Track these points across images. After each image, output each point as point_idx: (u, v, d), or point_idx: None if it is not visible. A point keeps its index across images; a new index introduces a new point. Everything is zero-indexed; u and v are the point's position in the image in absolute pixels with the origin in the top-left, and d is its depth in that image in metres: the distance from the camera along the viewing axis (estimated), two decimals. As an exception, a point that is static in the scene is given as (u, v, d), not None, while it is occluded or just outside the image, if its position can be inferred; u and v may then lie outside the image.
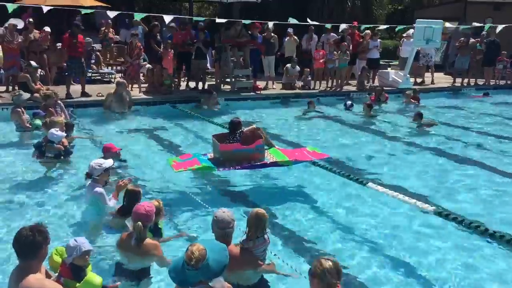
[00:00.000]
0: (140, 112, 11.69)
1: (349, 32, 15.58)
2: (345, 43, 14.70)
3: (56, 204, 6.07)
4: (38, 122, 8.79)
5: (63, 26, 14.36)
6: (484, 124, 11.92)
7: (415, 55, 16.35)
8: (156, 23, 13.71)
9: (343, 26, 14.21)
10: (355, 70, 16.24)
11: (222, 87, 14.41)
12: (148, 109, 11.57)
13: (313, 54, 15.23)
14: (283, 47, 15.82)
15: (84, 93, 12.09)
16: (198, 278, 3.00)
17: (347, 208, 6.33)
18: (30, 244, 3.16)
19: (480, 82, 17.39)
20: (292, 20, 14.93)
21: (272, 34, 14.79)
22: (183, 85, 14.38)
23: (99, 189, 5.35)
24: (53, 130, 7.13)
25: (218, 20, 12.87)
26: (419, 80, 17.12)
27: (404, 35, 17.17)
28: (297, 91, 14.78)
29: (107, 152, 6.63)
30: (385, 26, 15.53)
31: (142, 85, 13.15)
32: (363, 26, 14.78)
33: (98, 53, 15.19)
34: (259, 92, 14.13)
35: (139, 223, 3.98)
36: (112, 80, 14.81)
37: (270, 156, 6.91)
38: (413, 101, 13.65)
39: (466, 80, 17.27)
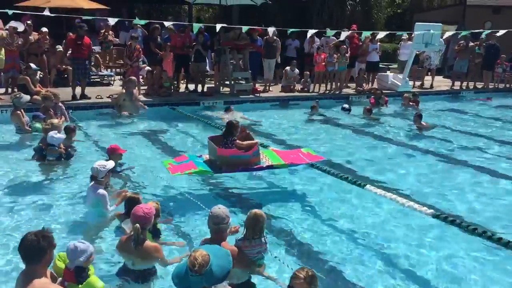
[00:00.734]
0: (139, 114, 11.69)
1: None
2: (345, 46, 14.73)
3: (56, 206, 6.06)
4: (38, 125, 8.78)
5: (63, 29, 14.39)
6: (484, 127, 11.95)
7: (415, 58, 16.40)
8: (157, 25, 13.74)
9: (344, 34, 14.21)
10: (354, 73, 16.28)
11: (221, 90, 14.43)
12: (147, 111, 11.59)
13: (315, 57, 15.26)
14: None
15: (83, 96, 12.11)
16: (201, 284, 2.98)
17: (345, 210, 6.33)
18: (34, 249, 3.21)
19: (479, 85, 17.43)
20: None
21: (275, 37, 14.82)
22: (182, 87, 14.40)
23: (102, 191, 5.37)
24: (52, 133, 7.13)
25: (218, 28, 12.81)
26: (418, 83, 17.16)
27: (403, 37, 17.21)
28: (296, 94, 14.81)
29: (112, 153, 6.66)
30: (385, 33, 15.51)
31: (142, 87, 13.17)
32: (363, 35, 14.77)
33: (97, 55, 15.22)
34: (258, 94, 14.15)
35: (137, 225, 3.97)
36: (112, 82, 14.83)
37: (266, 159, 6.91)
38: (411, 104, 13.68)
39: (465, 84, 17.31)
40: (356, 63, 15.97)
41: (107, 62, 15.78)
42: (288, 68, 15.12)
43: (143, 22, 12.28)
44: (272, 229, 5.59)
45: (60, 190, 6.62)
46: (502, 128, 12.06)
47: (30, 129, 8.90)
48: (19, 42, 12.03)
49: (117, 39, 16.28)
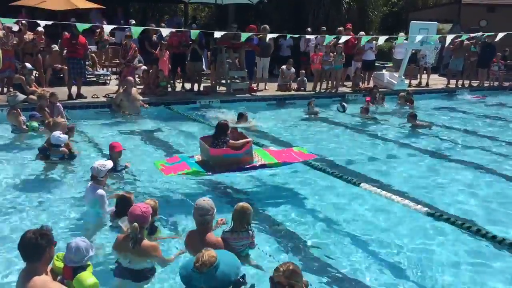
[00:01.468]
0: (140, 113, 11.67)
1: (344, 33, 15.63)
2: (340, 45, 14.76)
3: (56, 206, 6.06)
4: (35, 124, 8.78)
5: (58, 28, 14.36)
6: (479, 125, 12.01)
7: (411, 56, 16.44)
8: (152, 24, 13.71)
9: (343, 38, 14.20)
10: (350, 72, 16.30)
11: (217, 89, 14.44)
12: (143, 110, 11.59)
13: (312, 56, 15.25)
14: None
15: (79, 95, 12.09)
16: (200, 283, 2.99)
17: (339, 208, 6.35)
18: (33, 247, 3.24)
19: (474, 83, 17.51)
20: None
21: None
22: (178, 86, 14.40)
23: (100, 192, 5.37)
24: (56, 134, 7.12)
25: (216, 35, 12.71)
26: (414, 81, 17.22)
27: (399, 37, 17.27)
28: (293, 92, 14.83)
29: (113, 151, 6.68)
30: (385, 37, 15.50)
31: (138, 87, 13.16)
32: (363, 41, 14.74)
33: (93, 54, 15.20)
34: (254, 93, 14.17)
35: (135, 224, 3.97)
36: (108, 82, 14.82)
37: (258, 158, 6.92)
38: (406, 102, 13.73)
39: (460, 82, 17.39)
40: (352, 62, 16.00)
41: (103, 61, 15.77)
42: (284, 67, 15.14)
43: (140, 29, 12.15)
44: (265, 226, 5.63)
45: (60, 190, 6.61)
46: (497, 126, 12.11)
47: (26, 128, 8.89)
48: (14, 42, 11.99)
49: (113, 38, 16.27)
